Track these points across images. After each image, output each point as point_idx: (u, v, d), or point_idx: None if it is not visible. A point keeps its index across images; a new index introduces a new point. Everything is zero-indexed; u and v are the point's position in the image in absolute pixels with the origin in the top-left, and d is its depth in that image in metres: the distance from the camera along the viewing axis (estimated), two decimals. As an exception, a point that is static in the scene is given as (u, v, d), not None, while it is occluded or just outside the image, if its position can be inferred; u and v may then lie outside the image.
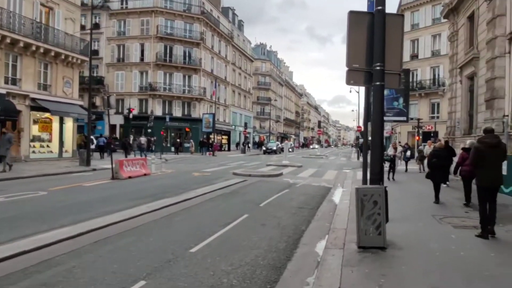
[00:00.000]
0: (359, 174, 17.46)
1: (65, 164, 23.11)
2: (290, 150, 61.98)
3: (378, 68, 6.67)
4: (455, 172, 10.48)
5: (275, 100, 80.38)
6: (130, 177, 16.28)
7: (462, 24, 20.80)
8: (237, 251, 6.28)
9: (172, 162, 29.53)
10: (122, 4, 48.51)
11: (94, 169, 20.66)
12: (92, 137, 28.99)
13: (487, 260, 5.66)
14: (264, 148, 51.50)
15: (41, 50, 24.41)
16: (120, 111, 46.63)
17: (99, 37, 48.42)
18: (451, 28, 23.05)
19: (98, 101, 48.25)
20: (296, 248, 6.60)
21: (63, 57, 26.30)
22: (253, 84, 78.47)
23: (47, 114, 25.71)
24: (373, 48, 6.65)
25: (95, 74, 48.48)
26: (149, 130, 37.44)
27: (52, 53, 25.38)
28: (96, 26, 48.42)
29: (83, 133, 30.14)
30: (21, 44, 23.05)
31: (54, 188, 12.78)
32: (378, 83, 6.68)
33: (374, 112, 6.77)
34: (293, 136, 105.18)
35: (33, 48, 23.88)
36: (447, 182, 13.11)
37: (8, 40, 22.15)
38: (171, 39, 46.90)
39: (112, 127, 48.19)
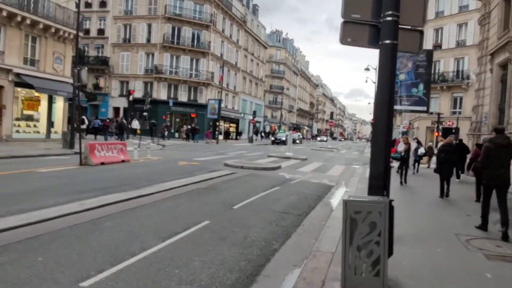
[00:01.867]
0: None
1: (47, 146, 21.18)
2: (297, 141, 59.59)
3: (389, 19, 4.37)
4: (468, 168, 10.72)
5: (287, 89, 77.67)
6: (102, 163, 14.21)
7: (496, 4, 18.06)
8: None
9: (169, 148, 27.51)
10: (130, -19, 46.29)
11: (77, 153, 18.65)
12: (83, 117, 27.03)
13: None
14: (272, 138, 49.03)
15: (28, 22, 22.43)
16: (124, 93, 44.72)
17: (105, 16, 46.50)
18: (482, 9, 20.29)
19: (102, 82, 46.47)
20: (250, 285, 4.37)
21: (53, 30, 24.32)
22: (266, 72, 75.92)
23: (35, 92, 23.84)
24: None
25: (100, 54, 46.75)
26: (145, 114, 35.36)
27: (41, 26, 23.41)
28: (102, 4, 46.60)
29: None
30: (4, 14, 21.07)
31: (-3, 174, 10.78)
32: (388, 41, 4.37)
33: (381, 84, 4.46)
34: (306, 127, 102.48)
35: (18, 18, 21.91)
36: (459, 177, 13.48)
37: (-12, 8, 20.21)
38: (180, 20, 44.62)
39: (116, 110, 46.52)
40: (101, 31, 46.67)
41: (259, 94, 68.26)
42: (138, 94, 45.20)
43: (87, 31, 47.06)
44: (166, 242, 5.63)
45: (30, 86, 22.45)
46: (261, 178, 13.52)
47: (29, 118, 24.58)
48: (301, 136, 67.05)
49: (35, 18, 22.87)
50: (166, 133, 38.83)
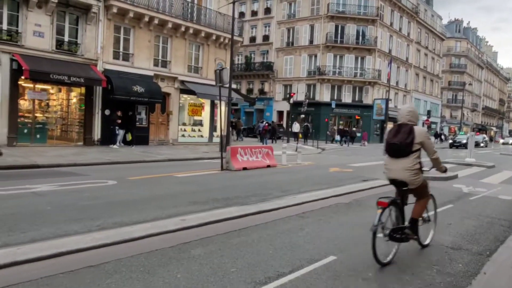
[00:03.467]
0: None
1: (207, 149, 21.63)
2: (481, 144, 51.08)
3: None
4: None
5: (470, 84, 67.74)
6: (245, 168, 13.21)
7: None
8: None
9: (327, 152, 25.74)
10: (293, -15, 46.22)
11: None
12: (240, 120, 27.29)
13: None
14: (450, 141, 42.63)
15: (191, 31, 23.44)
16: (288, 97, 44.74)
17: (270, 22, 47.40)
18: None
19: (266, 87, 47.43)
20: None
21: (214, 37, 25.00)
22: (443, 67, 67.81)
23: (201, 100, 24.91)
24: None
25: (264, 60, 47.85)
26: (302, 116, 34.17)
27: (203, 34, 24.23)
28: (267, 10, 47.66)
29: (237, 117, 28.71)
30: (170, 25, 22.35)
31: (134, 178, 10.53)
32: None
33: None
34: (493, 128, 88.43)
35: (182, 29, 23.02)
36: None
37: (156, 21, 21.61)
38: (343, 17, 42.49)
39: (280, 114, 46.95)
40: (266, 37, 47.75)
41: (435, 92, 61.16)
42: (301, 97, 44.74)
43: (253, 39, 48.94)
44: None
45: (192, 93, 23.40)
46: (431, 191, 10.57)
47: (194, 123, 25.80)
48: (486, 139, 57.35)
49: (198, 27, 23.76)
50: (337, 137, 37.51)
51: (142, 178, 10.57)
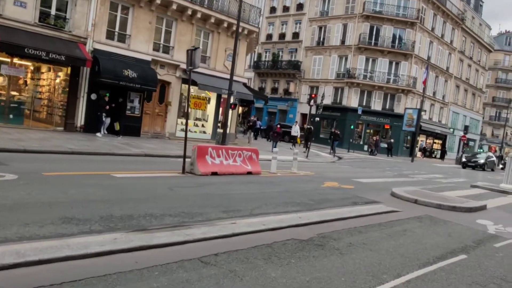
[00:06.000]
0: None
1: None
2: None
3: None
4: None
5: (517, 101, 62.43)
6: (215, 174, 10.73)
7: None
8: None
9: (342, 162, 22.94)
10: (328, -20, 43.29)
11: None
12: (255, 119, 24.76)
13: None
14: (464, 160, 35.33)
15: (198, 15, 21.17)
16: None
17: (301, 19, 44.65)
18: None
19: (292, 87, 44.69)
20: None
21: (225, 25, 22.63)
22: (488, 81, 62.88)
23: (208, 93, 22.71)
24: None
25: (293, 58, 45.18)
26: (316, 119, 31.18)
27: (212, 20, 21.93)
28: (299, 6, 45.00)
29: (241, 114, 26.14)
30: (174, 7, 20.16)
31: (51, 173, 8.29)
32: None
33: None
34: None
35: (189, 12, 20.80)
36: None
37: (158, 1, 19.47)
38: (379, 18, 39.16)
39: (304, 116, 44.09)
40: (295, 35, 45.04)
41: (476, 107, 56.52)
42: (328, 100, 41.76)
43: (282, 35, 46.40)
44: None
45: (194, 83, 21.11)
46: (439, 228, 7.78)
47: (197, 117, 23.61)
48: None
49: (207, 11, 21.48)
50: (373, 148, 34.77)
51: (61, 175, 8.33)
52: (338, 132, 31.20)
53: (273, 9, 47.73)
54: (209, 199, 7.78)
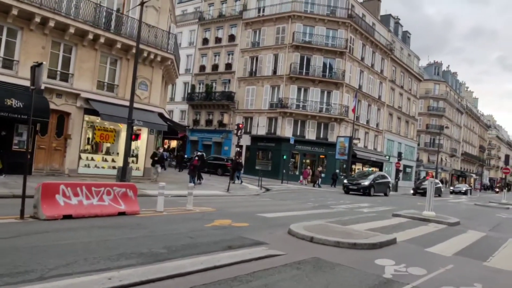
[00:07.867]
0: None
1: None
2: (462, 191, 47.26)
3: None
4: None
5: (446, 127, 64.61)
6: (69, 217, 8.68)
7: None
8: None
9: (269, 194, 21.38)
10: (258, 12, 43.12)
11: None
12: (160, 150, 22.55)
13: None
14: (413, 187, 37.11)
15: (102, 40, 19.36)
16: (248, 130, 40.69)
17: (233, 50, 44.01)
18: None
19: (226, 118, 43.35)
20: None
21: (134, 51, 20.91)
22: (420, 109, 65.00)
23: (120, 125, 20.58)
24: None
25: (226, 89, 44.11)
26: (237, 149, 29.85)
27: (119, 45, 20.19)
28: (231, 38, 44.39)
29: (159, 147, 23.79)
30: (72, 31, 18.26)
31: None
32: None
33: None
34: (473, 176, 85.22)
35: (90, 37, 18.95)
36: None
37: (52, 24, 17.50)
38: (309, 48, 39.15)
39: (240, 148, 42.67)
40: (228, 66, 44.22)
41: (410, 134, 57.82)
42: (262, 131, 40.80)
43: (215, 66, 45.46)
44: None
45: (96, 113, 19.06)
46: (318, 278, 6.18)
47: (104, 150, 21.39)
48: (468, 187, 53.05)
49: (112, 36, 19.73)
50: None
51: None
52: (240, 161, 30.46)
53: (205, 41, 46.87)
54: (4, 255, 5.75)
